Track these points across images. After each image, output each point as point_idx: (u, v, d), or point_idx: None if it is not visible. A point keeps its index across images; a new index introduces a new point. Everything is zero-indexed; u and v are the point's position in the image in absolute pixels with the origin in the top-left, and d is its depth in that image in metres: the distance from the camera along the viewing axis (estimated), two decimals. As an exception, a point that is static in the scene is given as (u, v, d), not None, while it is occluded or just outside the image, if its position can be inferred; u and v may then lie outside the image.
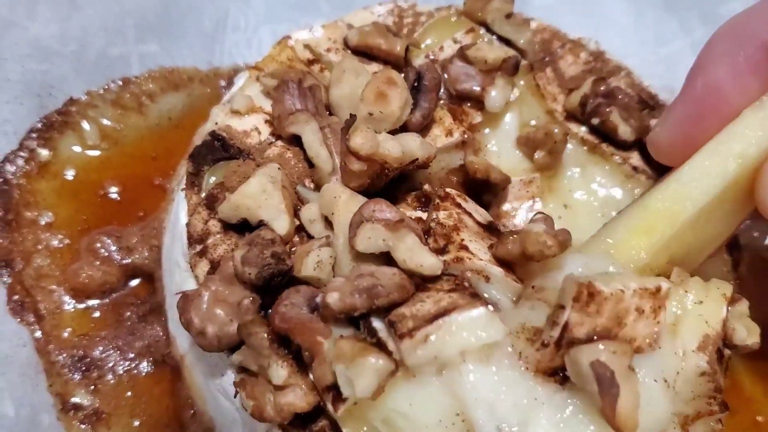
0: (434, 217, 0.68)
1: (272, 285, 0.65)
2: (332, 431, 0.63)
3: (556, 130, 0.78)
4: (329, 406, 0.58)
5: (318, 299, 0.62)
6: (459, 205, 0.70)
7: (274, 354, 0.61)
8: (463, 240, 0.66)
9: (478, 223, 0.70)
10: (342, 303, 0.58)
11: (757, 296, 0.88)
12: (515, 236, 0.63)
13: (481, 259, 0.64)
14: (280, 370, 0.60)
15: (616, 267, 0.62)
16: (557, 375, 0.58)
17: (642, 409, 0.55)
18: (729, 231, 0.70)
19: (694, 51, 0.70)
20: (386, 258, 0.63)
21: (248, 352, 0.62)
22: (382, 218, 0.64)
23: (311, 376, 0.60)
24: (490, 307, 0.59)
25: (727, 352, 0.69)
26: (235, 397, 0.64)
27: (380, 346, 0.57)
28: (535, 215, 0.68)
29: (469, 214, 0.70)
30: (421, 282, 0.62)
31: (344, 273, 0.64)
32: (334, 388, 0.57)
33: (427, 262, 0.61)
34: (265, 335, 0.61)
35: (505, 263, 0.65)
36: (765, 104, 0.63)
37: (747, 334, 0.67)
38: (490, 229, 0.70)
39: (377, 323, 0.58)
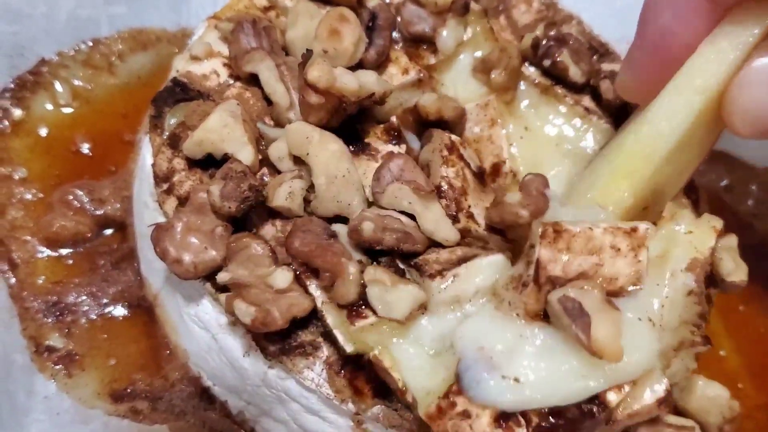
0: (444, 174, 0.71)
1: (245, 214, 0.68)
2: (310, 346, 0.66)
3: (510, 48, 0.80)
4: (327, 318, 0.64)
5: (336, 228, 0.67)
6: (462, 157, 0.73)
7: (274, 262, 0.64)
8: (470, 206, 0.71)
9: (474, 174, 0.74)
10: (373, 234, 0.64)
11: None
12: (496, 205, 0.68)
13: (485, 230, 0.70)
14: (285, 273, 0.64)
15: (606, 214, 0.66)
16: (546, 319, 0.61)
17: (628, 344, 0.58)
18: (701, 156, 0.73)
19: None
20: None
21: (240, 266, 0.65)
22: (411, 179, 0.67)
23: (316, 292, 0.65)
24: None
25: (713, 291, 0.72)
26: (228, 312, 0.65)
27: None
28: (526, 176, 0.70)
29: (467, 165, 0.74)
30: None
31: (322, 212, 0.67)
32: (353, 305, 0.64)
33: (451, 236, 0.68)
34: (264, 243, 0.65)
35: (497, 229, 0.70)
36: (717, 37, 0.65)
37: (734, 268, 0.71)
38: (481, 178, 0.75)
39: (399, 263, 0.66)
